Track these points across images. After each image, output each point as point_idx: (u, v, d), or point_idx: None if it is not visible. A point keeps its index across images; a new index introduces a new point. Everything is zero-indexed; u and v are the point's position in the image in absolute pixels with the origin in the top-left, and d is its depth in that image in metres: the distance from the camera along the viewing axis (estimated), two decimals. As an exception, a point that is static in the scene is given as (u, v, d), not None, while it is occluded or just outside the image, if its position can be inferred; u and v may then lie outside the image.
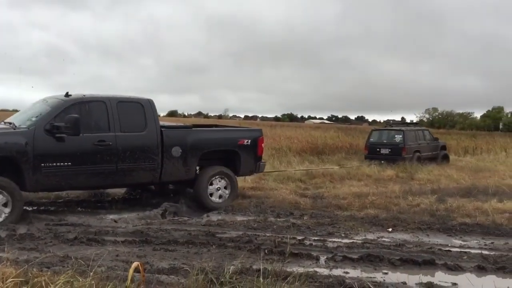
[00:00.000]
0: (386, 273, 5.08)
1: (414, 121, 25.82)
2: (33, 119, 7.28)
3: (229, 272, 4.06)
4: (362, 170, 14.34)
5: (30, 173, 6.87)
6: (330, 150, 20.62)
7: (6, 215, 6.65)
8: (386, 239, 6.46)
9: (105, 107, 7.67)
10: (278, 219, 7.46)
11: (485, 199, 9.40)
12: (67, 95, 7.68)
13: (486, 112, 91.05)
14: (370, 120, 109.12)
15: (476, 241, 6.54)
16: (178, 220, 7.28)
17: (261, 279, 3.88)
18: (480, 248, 6.11)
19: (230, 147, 8.92)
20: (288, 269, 4.67)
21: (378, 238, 6.54)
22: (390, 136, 17.80)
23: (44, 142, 6.99)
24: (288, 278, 3.96)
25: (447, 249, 6.00)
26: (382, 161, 16.32)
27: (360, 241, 6.24)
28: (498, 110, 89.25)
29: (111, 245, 5.73)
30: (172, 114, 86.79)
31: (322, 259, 5.47)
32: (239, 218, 7.53)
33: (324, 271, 4.95)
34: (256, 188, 10.35)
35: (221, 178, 8.71)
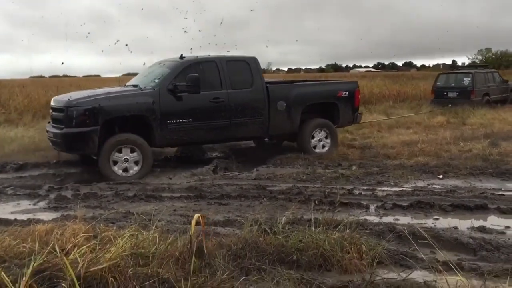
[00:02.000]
0: (437, 219, 5.12)
1: (477, 63, 24.89)
2: (156, 80, 7.95)
3: (281, 223, 4.22)
4: (412, 117, 14.08)
5: (158, 130, 7.60)
6: (376, 99, 20.26)
7: (138, 169, 7.48)
8: (437, 186, 6.44)
9: (216, 67, 8.28)
10: (327, 171, 7.56)
11: (542, 141, 9.08)
12: (181, 57, 8.36)
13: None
14: (418, 65, 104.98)
15: (531, 185, 6.40)
16: (229, 175, 7.51)
17: (312, 228, 4.02)
18: (536, 191, 6.00)
19: (330, 100, 9.38)
20: (339, 218, 4.78)
21: (429, 185, 6.53)
22: (458, 80, 17.38)
23: (168, 101, 7.68)
24: (339, 226, 4.08)
25: (500, 193, 5.93)
26: (450, 105, 15.95)
27: (410, 189, 6.26)
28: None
29: (168, 201, 6.04)
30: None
31: (372, 207, 5.56)
32: (288, 171, 7.67)
33: (374, 219, 5.04)
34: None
35: (323, 130, 9.23)
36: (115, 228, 4.40)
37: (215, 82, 8.19)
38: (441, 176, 7.00)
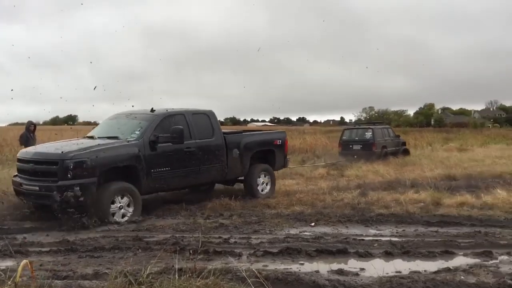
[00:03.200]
0: (302, 264, 5.44)
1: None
2: (137, 132, 8.40)
3: (146, 272, 4.24)
4: (296, 169, 14.88)
5: (144, 178, 8.11)
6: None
7: (131, 213, 7.85)
8: (308, 233, 6.85)
9: (184, 119, 9.04)
10: (207, 221, 7.68)
11: (403, 191, 10.11)
12: (152, 110, 9.03)
13: (419, 109, 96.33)
14: (311, 120, 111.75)
15: (389, 230, 7.08)
16: (107, 228, 7.32)
17: (176, 276, 4.09)
18: (391, 236, 6.65)
19: (269, 147, 10.65)
20: (209, 266, 4.90)
21: (300, 232, 6.92)
22: (360, 134, 19.36)
23: (150, 151, 8.22)
24: (203, 273, 4.20)
25: (361, 238, 6.47)
26: (355, 156, 17.57)
27: (282, 237, 6.59)
28: (430, 107, 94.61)
29: (36, 255, 5.74)
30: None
31: (245, 255, 5.76)
32: (169, 221, 7.69)
33: (244, 266, 5.22)
34: (186, 192, 10.54)
35: (265, 174, 10.40)
36: (-35, 285, 4.10)
37: (186, 133, 8.76)
38: (313, 224, 7.47)
